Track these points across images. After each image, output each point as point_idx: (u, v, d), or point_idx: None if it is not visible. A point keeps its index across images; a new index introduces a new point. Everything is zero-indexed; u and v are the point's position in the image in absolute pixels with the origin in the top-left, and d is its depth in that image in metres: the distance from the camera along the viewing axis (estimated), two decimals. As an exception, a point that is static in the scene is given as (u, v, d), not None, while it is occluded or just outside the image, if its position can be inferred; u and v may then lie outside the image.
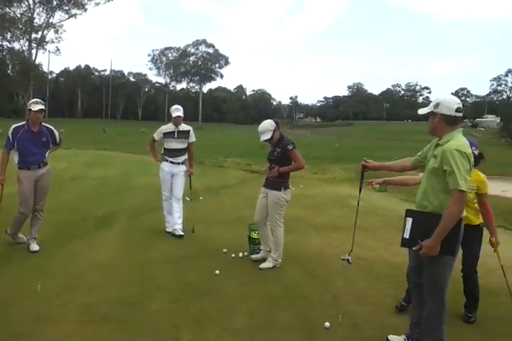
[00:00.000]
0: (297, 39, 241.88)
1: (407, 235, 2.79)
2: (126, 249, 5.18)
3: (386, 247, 4.31)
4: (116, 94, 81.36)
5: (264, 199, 4.75)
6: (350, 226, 4.07)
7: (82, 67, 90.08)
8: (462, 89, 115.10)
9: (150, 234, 5.84)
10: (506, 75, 70.65)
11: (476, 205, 3.65)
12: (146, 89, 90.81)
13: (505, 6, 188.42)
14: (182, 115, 5.72)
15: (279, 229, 4.65)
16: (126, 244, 5.35)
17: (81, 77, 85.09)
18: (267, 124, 4.66)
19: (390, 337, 3.19)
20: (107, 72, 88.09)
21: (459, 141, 2.74)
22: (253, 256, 4.93)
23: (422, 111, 2.93)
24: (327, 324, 3.38)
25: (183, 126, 5.79)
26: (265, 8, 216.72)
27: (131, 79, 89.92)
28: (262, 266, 4.64)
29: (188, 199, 6.34)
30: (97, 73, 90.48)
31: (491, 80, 72.59)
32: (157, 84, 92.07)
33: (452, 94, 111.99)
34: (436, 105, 2.79)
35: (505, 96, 70.93)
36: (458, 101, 2.82)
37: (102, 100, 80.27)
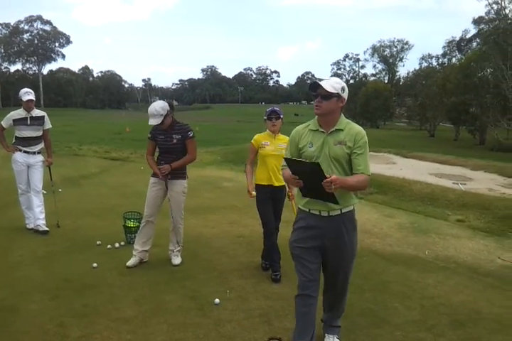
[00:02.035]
0: (144, 15, 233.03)
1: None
2: (-16, 251, 4.60)
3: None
4: None
5: (161, 191, 4.26)
6: (224, 206, 4.26)
7: None
8: (307, 73, 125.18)
9: (9, 232, 5.26)
10: (344, 60, 77.45)
11: None
12: (-27, 71, 78.25)
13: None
14: (34, 99, 5.25)
15: (182, 221, 4.41)
16: (-18, 247, 4.74)
17: None
18: (158, 108, 4.00)
19: None
20: None
21: (356, 125, 2.67)
22: (130, 264, 4.24)
23: (328, 87, 2.51)
24: (217, 300, 3.53)
25: (36, 112, 5.32)
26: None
27: (-48, 60, 76.25)
28: (176, 262, 4.34)
29: (44, 192, 5.81)
30: None
31: (331, 64, 78.87)
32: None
33: (298, 77, 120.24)
34: (343, 89, 2.57)
35: (344, 80, 78.25)
36: None
37: None
